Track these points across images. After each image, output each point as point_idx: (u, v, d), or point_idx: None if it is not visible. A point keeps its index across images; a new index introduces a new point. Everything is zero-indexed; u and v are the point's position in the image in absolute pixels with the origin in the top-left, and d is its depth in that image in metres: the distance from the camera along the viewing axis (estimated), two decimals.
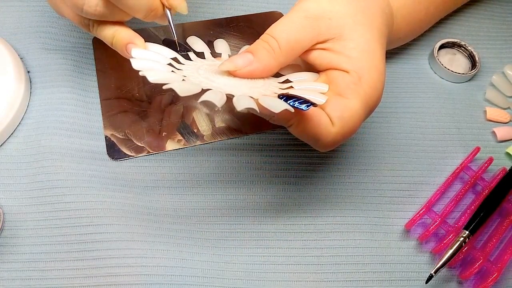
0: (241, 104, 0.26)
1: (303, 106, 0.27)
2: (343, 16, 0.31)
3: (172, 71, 0.30)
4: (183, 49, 0.35)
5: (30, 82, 0.42)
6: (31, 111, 0.41)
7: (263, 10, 0.49)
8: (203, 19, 0.48)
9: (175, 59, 0.32)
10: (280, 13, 0.49)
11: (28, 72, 0.42)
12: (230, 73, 0.31)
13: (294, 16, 0.31)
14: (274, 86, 0.31)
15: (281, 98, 0.28)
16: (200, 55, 0.35)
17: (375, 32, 0.32)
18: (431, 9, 0.45)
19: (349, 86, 0.30)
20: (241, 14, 0.49)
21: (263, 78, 0.32)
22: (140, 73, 0.27)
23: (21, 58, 0.42)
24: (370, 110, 0.32)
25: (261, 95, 0.28)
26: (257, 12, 0.49)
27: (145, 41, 0.33)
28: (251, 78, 0.31)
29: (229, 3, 0.49)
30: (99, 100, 0.42)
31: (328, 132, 0.30)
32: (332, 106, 0.30)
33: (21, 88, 0.40)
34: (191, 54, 0.35)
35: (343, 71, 0.31)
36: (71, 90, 0.41)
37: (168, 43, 0.36)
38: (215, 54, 0.36)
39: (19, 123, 0.40)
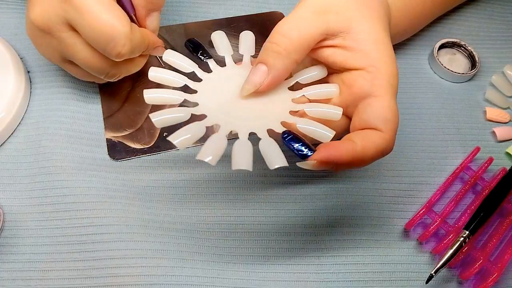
0: (274, 164, 0.27)
1: (305, 152, 0.28)
2: (349, 9, 0.31)
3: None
4: (206, 55, 0.36)
5: (30, 82, 0.42)
6: (31, 111, 0.41)
7: (264, 10, 0.49)
8: (204, 19, 0.48)
9: (193, 73, 0.33)
10: (281, 13, 0.49)
11: (28, 72, 0.42)
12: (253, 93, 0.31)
13: (301, 12, 0.31)
14: (287, 101, 0.32)
15: (284, 138, 0.28)
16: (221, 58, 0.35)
17: (380, 22, 0.32)
18: (428, 2, 0.45)
19: (373, 83, 0.30)
20: (242, 14, 0.49)
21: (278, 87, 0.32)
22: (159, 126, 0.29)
23: (21, 58, 0.42)
24: (396, 97, 0.31)
25: (278, 122, 0.30)
26: (258, 13, 0.49)
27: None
28: (273, 89, 0.32)
29: (229, 4, 0.49)
30: (99, 100, 0.42)
31: (383, 142, 0.29)
32: (370, 114, 0.30)
33: (21, 88, 0.40)
34: (210, 62, 0.35)
35: (359, 69, 0.31)
36: (71, 90, 0.41)
37: (193, 44, 0.37)
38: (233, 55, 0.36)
39: (19, 123, 0.40)
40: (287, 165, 0.26)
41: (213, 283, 0.35)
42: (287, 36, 0.30)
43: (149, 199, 0.38)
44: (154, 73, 0.31)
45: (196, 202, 0.38)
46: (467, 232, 0.36)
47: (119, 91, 0.42)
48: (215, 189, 0.39)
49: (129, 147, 0.40)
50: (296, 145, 0.28)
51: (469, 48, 0.49)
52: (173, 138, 0.27)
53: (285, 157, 0.27)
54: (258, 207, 0.39)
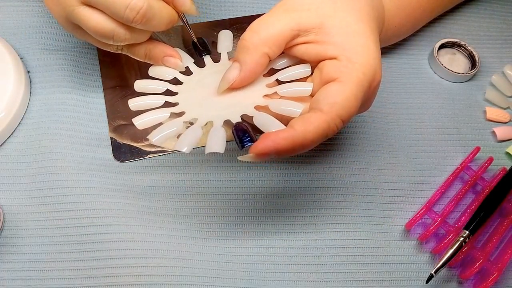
0: (210, 149, 0.28)
1: (244, 144, 0.29)
2: (321, 6, 0.32)
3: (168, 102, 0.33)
4: (205, 52, 0.38)
5: (30, 82, 0.42)
6: (31, 111, 0.41)
7: (264, 10, 0.49)
8: (203, 20, 0.48)
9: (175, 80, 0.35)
10: None
11: (28, 72, 0.42)
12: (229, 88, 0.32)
13: (273, 11, 0.32)
14: (262, 88, 0.33)
15: (233, 128, 0.30)
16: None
17: (358, 14, 0.33)
18: None
19: (340, 70, 0.30)
20: (241, 15, 0.49)
21: (257, 78, 0.33)
22: (150, 139, 0.30)
23: (21, 58, 0.42)
24: (370, 86, 0.31)
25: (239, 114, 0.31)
26: (258, 13, 0.49)
27: None
28: (248, 84, 0.33)
29: (229, 4, 0.49)
30: (99, 100, 0.42)
31: (323, 124, 0.29)
32: (321, 95, 0.30)
33: (21, 88, 0.40)
34: (206, 58, 0.37)
35: (332, 58, 0.31)
36: (71, 90, 0.41)
37: (199, 43, 0.39)
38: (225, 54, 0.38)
39: (19, 123, 0.40)
40: (222, 152, 0.28)
41: (213, 283, 0.35)
42: (256, 31, 0.31)
43: (149, 199, 0.38)
44: (139, 85, 0.35)
45: (196, 201, 0.38)
46: (467, 232, 0.36)
47: (122, 94, 0.42)
48: (214, 189, 0.39)
49: (134, 148, 0.40)
50: (239, 136, 0.29)
51: (469, 48, 0.49)
52: (152, 136, 0.30)
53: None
54: (258, 207, 0.39)
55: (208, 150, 0.28)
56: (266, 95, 0.32)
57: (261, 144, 0.28)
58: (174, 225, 0.37)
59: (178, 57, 0.37)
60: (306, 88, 0.32)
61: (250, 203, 0.39)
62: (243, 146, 0.29)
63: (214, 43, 0.39)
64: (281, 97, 0.32)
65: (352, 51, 0.31)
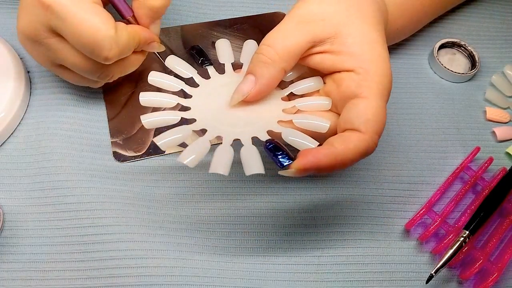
0: (250, 170, 0.28)
1: (285, 161, 0.29)
2: (335, 15, 0.32)
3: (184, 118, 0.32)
4: (207, 62, 0.37)
5: (30, 82, 0.42)
6: (31, 111, 0.41)
7: (264, 11, 0.49)
8: (203, 21, 0.48)
9: (181, 92, 0.34)
10: (284, 14, 0.49)
11: (28, 72, 0.42)
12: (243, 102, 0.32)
13: (287, 22, 0.32)
14: (278, 110, 0.32)
15: (266, 147, 0.29)
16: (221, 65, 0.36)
17: (371, 21, 0.32)
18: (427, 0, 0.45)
19: (360, 84, 0.30)
20: (241, 15, 0.49)
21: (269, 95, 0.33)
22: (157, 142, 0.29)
23: (21, 58, 0.42)
24: (387, 97, 0.31)
25: (264, 131, 0.31)
26: (259, 13, 0.49)
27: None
28: (262, 98, 0.32)
29: (229, 5, 0.49)
30: (99, 100, 0.42)
31: (363, 144, 0.29)
32: (352, 114, 0.30)
33: (21, 88, 0.40)
34: (210, 69, 0.36)
35: (348, 71, 0.31)
36: (71, 90, 0.41)
37: (195, 51, 0.38)
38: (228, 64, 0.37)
39: (19, 123, 0.40)
40: (263, 172, 0.27)
41: (213, 282, 0.35)
42: (273, 46, 0.31)
43: (149, 199, 0.38)
44: (153, 77, 0.33)
45: (196, 202, 0.38)
46: (467, 232, 0.36)
47: (122, 93, 0.42)
48: (214, 189, 0.39)
49: (133, 148, 0.40)
50: (277, 154, 0.29)
51: (469, 48, 0.49)
52: (158, 140, 0.28)
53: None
54: (258, 206, 0.39)
55: (248, 172, 0.27)
56: (281, 121, 0.32)
57: (303, 160, 0.28)
58: (174, 225, 0.37)
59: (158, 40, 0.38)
60: (325, 102, 0.32)
61: (250, 203, 0.39)
62: (282, 165, 0.29)
63: (214, 43, 0.39)
64: (301, 111, 0.32)
65: (369, 62, 0.31)
